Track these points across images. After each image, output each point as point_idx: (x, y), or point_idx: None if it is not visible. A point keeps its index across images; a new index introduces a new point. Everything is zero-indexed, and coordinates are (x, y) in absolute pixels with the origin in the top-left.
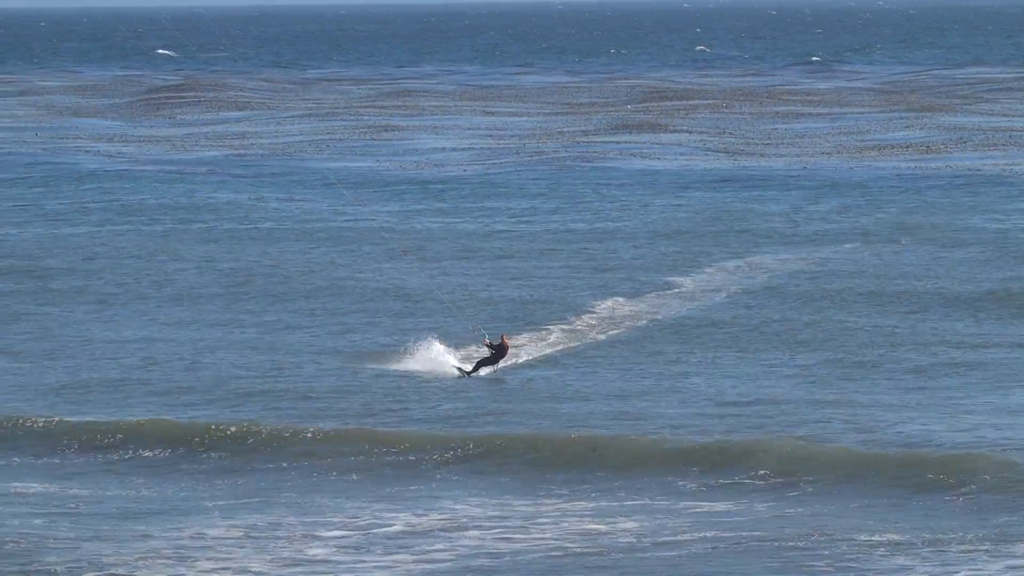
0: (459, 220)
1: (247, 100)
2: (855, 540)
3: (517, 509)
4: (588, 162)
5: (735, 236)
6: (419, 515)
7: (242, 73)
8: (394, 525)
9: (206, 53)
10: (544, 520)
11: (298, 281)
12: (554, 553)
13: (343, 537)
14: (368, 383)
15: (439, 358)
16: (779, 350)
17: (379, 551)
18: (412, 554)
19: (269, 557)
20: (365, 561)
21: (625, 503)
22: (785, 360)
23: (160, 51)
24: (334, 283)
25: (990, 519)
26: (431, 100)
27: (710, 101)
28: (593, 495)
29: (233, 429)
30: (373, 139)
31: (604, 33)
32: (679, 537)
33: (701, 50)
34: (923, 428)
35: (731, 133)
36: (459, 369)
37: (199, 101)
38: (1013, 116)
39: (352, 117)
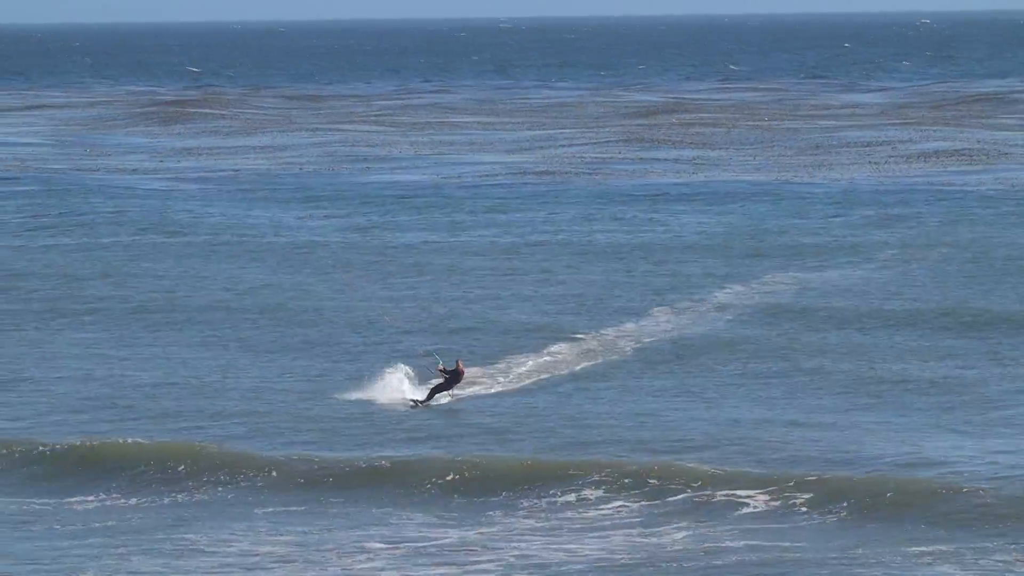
0: (499, 233)
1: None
2: (900, 551)
3: (564, 521)
4: (614, 177)
5: (775, 250)
6: (466, 529)
7: (272, 88)
8: (443, 540)
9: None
10: (593, 532)
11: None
12: (600, 564)
13: (389, 550)
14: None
15: (394, 387)
16: (821, 375)
17: (426, 563)
18: (458, 566)
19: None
20: (412, 574)
21: (672, 516)
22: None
23: (190, 68)
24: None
25: None
26: (463, 116)
27: (744, 115)
28: (638, 508)
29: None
30: (417, 153)
31: (631, 46)
32: (726, 544)
33: (733, 68)
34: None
35: (769, 146)
36: (413, 400)
37: (215, 116)
38: None
39: (374, 132)
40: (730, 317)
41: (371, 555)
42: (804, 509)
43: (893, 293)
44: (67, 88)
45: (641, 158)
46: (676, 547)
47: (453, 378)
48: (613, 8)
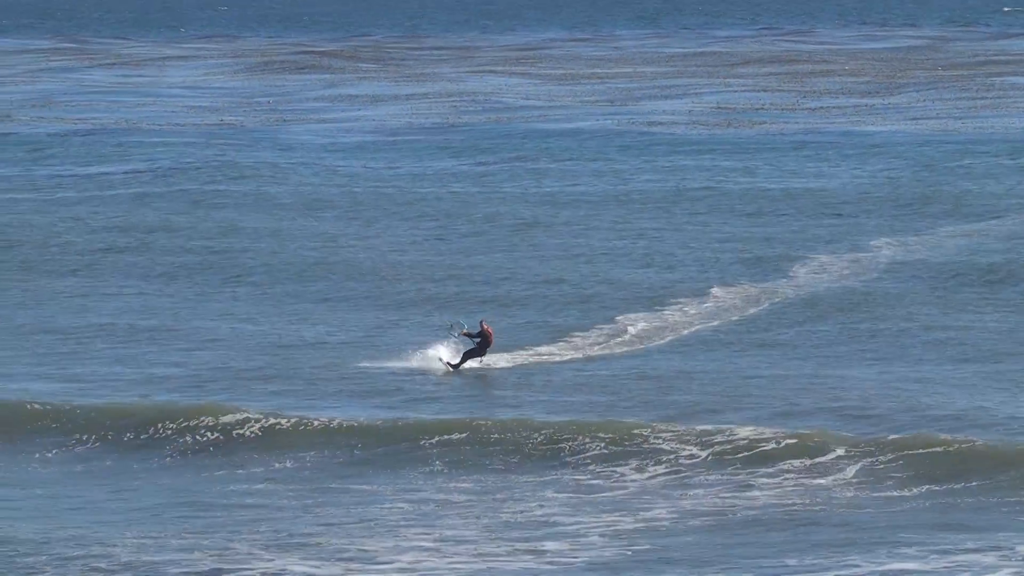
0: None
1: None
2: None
3: (735, 473)
4: (778, 129)
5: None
6: (634, 481)
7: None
8: (615, 491)
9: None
10: (762, 480)
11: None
12: (770, 511)
13: (563, 498)
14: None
15: (429, 351)
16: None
17: (596, 511)
18: (631, 512)
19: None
20: (583, 522)
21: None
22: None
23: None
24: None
25: None
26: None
27: (907, 63)
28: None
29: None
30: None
31: None
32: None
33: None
34: None
35: (940, 91)
36: (447, 363)
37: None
38: None
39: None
40: (899, 273)
41: (545, 502)
42: None
43: None
44: (217, 39)
45: (808, 108)
46: (850, 491)
47: (484, 342)
48: None
